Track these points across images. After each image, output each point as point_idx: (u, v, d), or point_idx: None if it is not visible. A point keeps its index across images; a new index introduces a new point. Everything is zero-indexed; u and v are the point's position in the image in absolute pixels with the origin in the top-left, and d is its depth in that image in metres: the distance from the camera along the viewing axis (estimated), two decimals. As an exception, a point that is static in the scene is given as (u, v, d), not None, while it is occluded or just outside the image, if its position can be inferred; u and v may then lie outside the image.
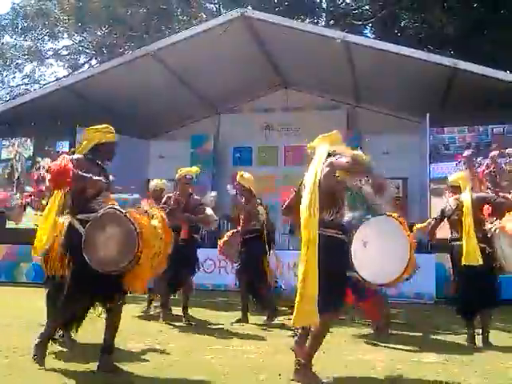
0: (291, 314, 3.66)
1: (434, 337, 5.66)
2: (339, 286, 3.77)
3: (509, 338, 5.64)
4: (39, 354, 3.93)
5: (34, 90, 19.75)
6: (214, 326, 6.14)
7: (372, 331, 5.62)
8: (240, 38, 9.96)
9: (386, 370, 4.10)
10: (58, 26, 21.42)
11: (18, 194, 9.72)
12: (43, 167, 9.97)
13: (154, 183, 6.85)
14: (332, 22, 19.34)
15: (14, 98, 18.15)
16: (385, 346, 4.99)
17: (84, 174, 3.81)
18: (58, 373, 3.86)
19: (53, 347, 4.37)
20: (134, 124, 11.43)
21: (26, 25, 21.91)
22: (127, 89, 10.51)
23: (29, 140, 11.13)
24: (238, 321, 6.30)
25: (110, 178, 4.14)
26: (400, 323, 6.39)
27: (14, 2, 22.22)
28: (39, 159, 10.92)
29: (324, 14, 20.40)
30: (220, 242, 6.88)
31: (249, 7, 10.06)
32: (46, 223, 4.19)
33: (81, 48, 22.85)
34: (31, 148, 11.11)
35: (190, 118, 12.72)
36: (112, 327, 3.92)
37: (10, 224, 10.73)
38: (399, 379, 3.90)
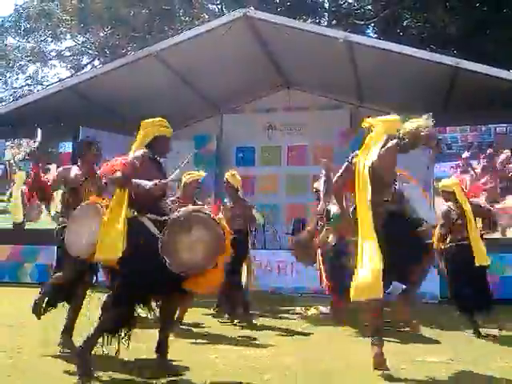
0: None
1: (438, 337, 5.64)
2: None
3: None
4: (84, 367, 3.59)
5: (37, 91, 19.81)
6: (218, 326, 6.15)
7: None
8: (242, 38, 9.96)
9: (390, 370, 4.09)
10: (61, 27, 21.47)
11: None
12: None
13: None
14: (334, 21, 19.35)
15: (17, 100, 18.17)
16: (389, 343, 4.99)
17: (143, 184, 3.67)
18: (60, 374, 3.87)
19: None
20: (137, 125, 11.40)
21: (28, 26, 21.97)
22: (130, 89, 10.51)
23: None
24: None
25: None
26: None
27: (17, 4, 22.33)
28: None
29: (326, 14, 20.41)
30: None
31: (251, 7, 10.02)
32: (115, 227, 3.64)
33: (83, 49, 22.90)
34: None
35: (192, 119, 12.72)
36: (166, 328, 3.84)
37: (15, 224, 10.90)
38: (404, 379, 3.89)
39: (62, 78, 20.48)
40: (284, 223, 11.69)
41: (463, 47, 15.87)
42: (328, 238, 6.29)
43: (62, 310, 4.82)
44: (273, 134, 12.46)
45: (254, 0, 15.25)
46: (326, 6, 20.38)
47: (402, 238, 4.00)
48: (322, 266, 6.42)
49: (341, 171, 4.33)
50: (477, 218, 5.72)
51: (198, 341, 5.20)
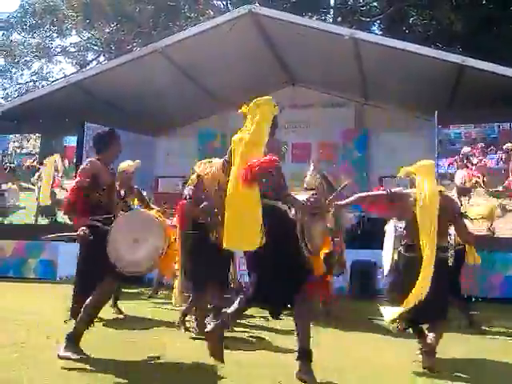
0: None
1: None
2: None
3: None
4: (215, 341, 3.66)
5: (42, 86, 19.84)
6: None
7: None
8: (247, 35, 9.94)
9: (399, 369, 4.07)
10: (66, 23, 21.49)
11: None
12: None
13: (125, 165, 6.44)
14: (339, 18, 19.29)
15: (22, 95, 18.22)
16: (396, 344, 4.98)
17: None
18: (64, 368, 3.88)
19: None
20: (141, 121, 11.44)
21: (34, 22, 22.00)
22: (135, 86, 10.52)
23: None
24: None
25: None
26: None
27: (23, 0, 22.31)
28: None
29: (331, 11, 20.36)
30: None
31: (256, 4, 10.01)
32: (254, 212, 3.60)
33: (89, 45, 22.93)
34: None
35: (197, 115, 12.71)
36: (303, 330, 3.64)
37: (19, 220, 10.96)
38: (412, 378, 3.88)
39: (67, 74, 20.50)
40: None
41: (469, 45, 15.80)
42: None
43: (66, 303, 4.82)
44: (277, 131, 12.40)
45: (260, -4, 15.21)
46: (332, 2, 20.32)
47: None
48: None
49: (375, 194, 4.49)
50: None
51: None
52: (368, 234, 8.96)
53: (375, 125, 11.35)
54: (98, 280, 4.21)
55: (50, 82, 21.76)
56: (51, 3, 21.25)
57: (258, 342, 5.11)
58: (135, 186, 6.57)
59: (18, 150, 11.30)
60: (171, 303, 5.86)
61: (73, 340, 4.10)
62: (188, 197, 5.46)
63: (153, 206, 6.55)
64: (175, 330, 5.42)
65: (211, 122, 12.69)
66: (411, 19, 19.18)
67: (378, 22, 19.93)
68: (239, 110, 3.80)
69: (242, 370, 3.94)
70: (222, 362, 3.67)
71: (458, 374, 4.04)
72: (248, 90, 12.28)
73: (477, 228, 7.73)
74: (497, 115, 9.01)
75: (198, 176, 5.33)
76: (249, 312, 5.83)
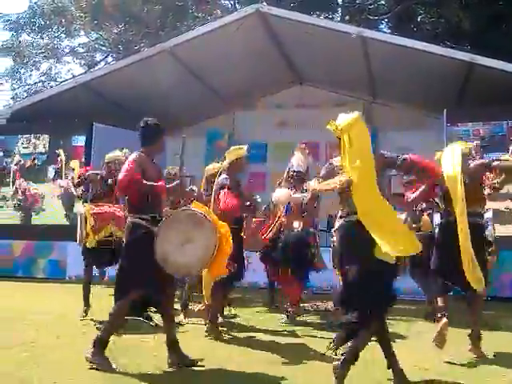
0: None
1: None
2: None
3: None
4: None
5: (51, 87, 19.92)
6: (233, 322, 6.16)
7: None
8: (255, 34, 9.94)
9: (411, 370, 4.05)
10: (75, 24, 21.56)
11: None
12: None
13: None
14: (347, 17, 19.23)
15: (31, 96, 18.30)
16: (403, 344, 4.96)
17: None
18: (74, 366, 3.90)
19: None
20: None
21: (42, 23, 22.10)
22: (143, 86, 10.55)
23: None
24: None
25: None
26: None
27: (32, 1, 22.43)
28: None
29: (339, 10, 20.30)
30: None
31: (264, 3, 9.99)
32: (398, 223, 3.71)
33: (97, 45, 22.98)
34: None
35: (205, 115, 12.72)
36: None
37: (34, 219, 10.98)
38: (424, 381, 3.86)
39: (76, 75, 20.57)
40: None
41: (477, 42, 15.69)
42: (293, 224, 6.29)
43: (75, 302, 4.85)
44: (285, 130, 12.40)
45: (267, -5, 15.19)
46: (340, 1, 20.27)
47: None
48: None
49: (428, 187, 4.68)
50: None
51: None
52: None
53: (383, 123, 11.30)
54: (141, 283, 3.94)
55: (59, 82, 21.84)
56: (60, 4, 21.33)
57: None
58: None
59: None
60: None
61: (100, 346, 3.96)
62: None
63: None
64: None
65: (218, 122, 12.71)
66: (419, 17, 19.09)
67: (386, 20, 19.83)
68: (328, 126, 3.84)
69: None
70: None
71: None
72: (256, 90, 12.38)
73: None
74: (505, 112, 8.95)
75: None
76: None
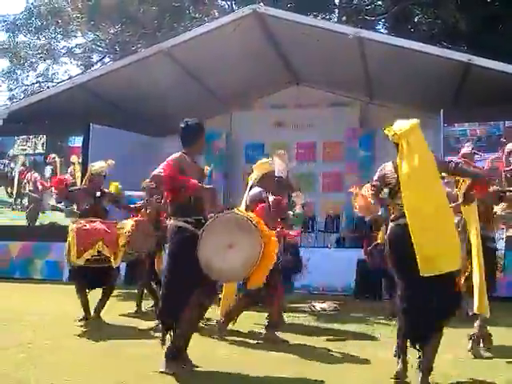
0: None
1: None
2: None
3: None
4: None
5: (48, 88, 19.90)
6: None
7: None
8: (252, 35, 9.94)
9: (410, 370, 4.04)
10: (71, 25, 21.53)
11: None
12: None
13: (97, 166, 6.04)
14: (344, 18, 19.26)
15: (27, 97, 18.27)
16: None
17: None
18: (70, 367, 3.90)
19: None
20: (146, 122, 11.45)
21: (39, 24, 22.05)
22: (140, 87, 10.53)
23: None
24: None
25: None
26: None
27: (28, 2, 22.40)
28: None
29: (336, 10, 20.33)
30: None
31: (261, 3, 10.01)
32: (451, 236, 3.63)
33: (94, 46, 22.96)
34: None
35: (202, 115, 12.56)
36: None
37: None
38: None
39: (73, 75, 20.54)
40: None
41: (474, 43, 15.73)
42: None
43: (72, 303, 4.85)
44: (282, 130, 12.41)
45: (264, -4, 15.20)
46: (337, 1, 20.30)
47: None
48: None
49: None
50: None
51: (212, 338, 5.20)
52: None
53: (380, 124, 11.23)
54: (187, 291, 3.81)
55: (56, 83, 21.82)
56: (56, 5, 21.30)
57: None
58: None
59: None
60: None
61: (173, 356, 3.86)
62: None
63: (130, 205, 6.44)
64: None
65: (216, 122, 12.68)
66: (416, 18, 19.14)
67: (383, 20, 19.88)
68: (385, 131, 3.90)
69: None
70: None
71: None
72: (253, 90, 12.39)
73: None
74: (502, 113, 8.99)
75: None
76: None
